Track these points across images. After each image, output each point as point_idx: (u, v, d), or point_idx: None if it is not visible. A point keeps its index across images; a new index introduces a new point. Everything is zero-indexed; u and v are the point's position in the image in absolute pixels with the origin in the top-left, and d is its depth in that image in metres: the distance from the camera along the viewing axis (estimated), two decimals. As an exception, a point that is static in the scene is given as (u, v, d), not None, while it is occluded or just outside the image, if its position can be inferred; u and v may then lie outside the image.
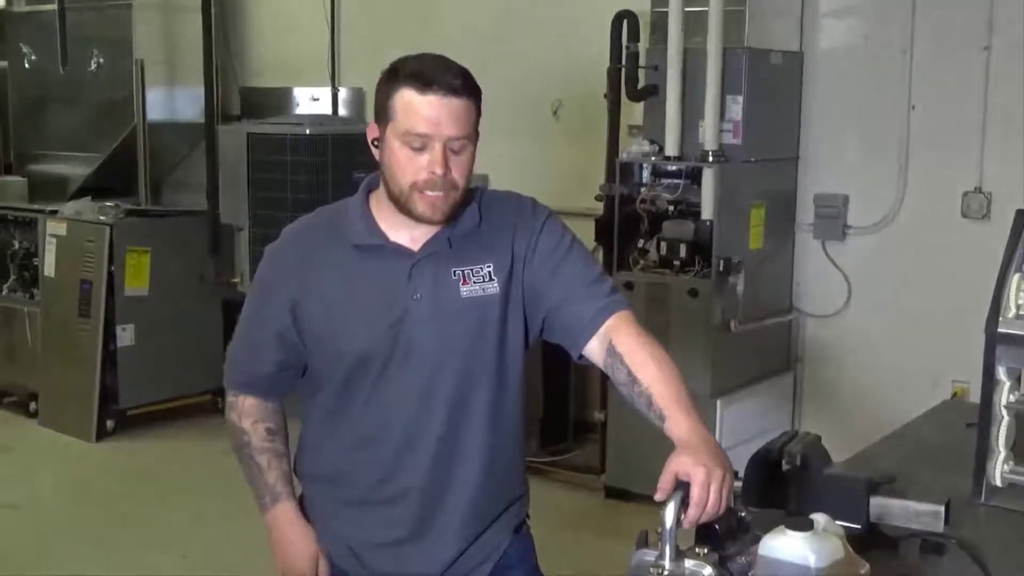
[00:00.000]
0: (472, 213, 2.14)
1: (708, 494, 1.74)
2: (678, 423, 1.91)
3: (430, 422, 2.13)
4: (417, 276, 2.10)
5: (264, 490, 2.24)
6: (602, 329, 2.08)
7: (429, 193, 2.02)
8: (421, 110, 1.98)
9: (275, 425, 2.26)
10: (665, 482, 1.76)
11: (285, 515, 2.23)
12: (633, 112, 5.38)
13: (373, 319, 2.10)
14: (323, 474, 2.25)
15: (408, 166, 2.01)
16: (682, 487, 1.75)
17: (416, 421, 2.13)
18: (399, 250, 2.11)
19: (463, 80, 2.02)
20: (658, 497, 1.75)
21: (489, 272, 2.12)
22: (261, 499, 2.25)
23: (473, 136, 2.05)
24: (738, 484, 1.95)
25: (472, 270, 2.12)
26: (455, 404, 2.13)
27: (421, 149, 1.99)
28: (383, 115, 2.04)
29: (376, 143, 2.08)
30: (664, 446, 1.87)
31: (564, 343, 2.14)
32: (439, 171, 1.99)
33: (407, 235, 2.11)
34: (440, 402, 2.12)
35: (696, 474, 1.75)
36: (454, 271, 2.11)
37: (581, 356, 2.13)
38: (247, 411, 2.26)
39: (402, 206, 2.06)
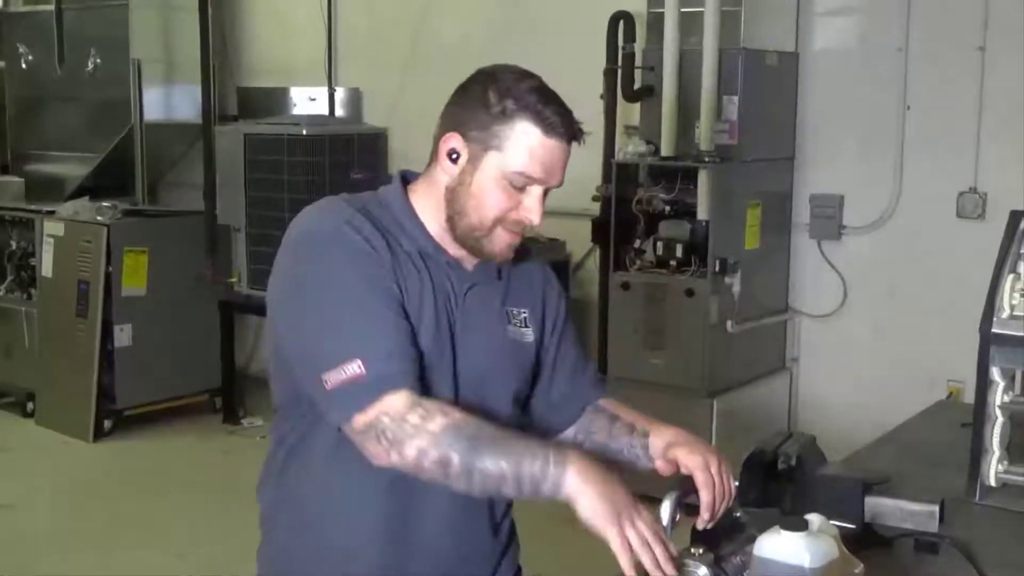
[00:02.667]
0: None
1: (712, 476, 1.79)
2: (664, 431, 1.94)
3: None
4: (470, 303, 1.87)
5: (542, 453, 1.67)
6: (592, 403, 2.05)
7: (511, 232, 1.82)
8: (543, 154, 1.78)
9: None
10: (667, 465, 1.85)
11: (586, 458, 1.70)
12: (629, 113, 5.39)
13: (431, 344, 1.80)
14: (320, 513, 1.88)
15: (502, 204, 1.79)
16: (677, 487, 1.77)
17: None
18: (454, 265, 1.87)
19: (580, 127, 1.85)
20: (664, 469, 1.85)
21: (525, 318, 1.95)
22: (544, 468, 1.66)
23: None
24: (734, 484, 1.96)
25: (514, 311, 1.94)
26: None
27: (521, 189, 1.79)
28: (485, 139, 1.78)
29: (454, 156, 1.81)
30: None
31: (547, 418, 2.03)
32: (536, 220, 1.81)
33: (450, 249, 1.87)
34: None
35: (694, 461, 1.81)
36: (503, 308, 1.92)
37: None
38: (434, 406, 1.71)
39: (470, 241, 1.82)
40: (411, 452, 1.67)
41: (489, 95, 1.78)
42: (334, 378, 1.69)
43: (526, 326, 1.94)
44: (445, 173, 1.82)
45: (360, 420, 1.69)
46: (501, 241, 1.81)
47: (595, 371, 2.11)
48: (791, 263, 5.45)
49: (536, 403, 2.03)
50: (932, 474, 2.38)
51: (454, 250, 1.86)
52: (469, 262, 1.87)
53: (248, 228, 5.91)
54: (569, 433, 2.05)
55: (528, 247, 1.98)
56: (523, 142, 1.77)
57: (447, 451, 1.66)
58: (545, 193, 1.82)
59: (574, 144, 1.82)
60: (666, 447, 1.89)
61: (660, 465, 1.85)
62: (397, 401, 1.69)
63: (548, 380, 2.02)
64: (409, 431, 1.67)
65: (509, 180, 1.78)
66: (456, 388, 1.83)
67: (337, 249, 1.76)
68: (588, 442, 2.02)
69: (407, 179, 1.91)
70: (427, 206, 1.85)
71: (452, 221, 1.82)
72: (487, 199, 1.79)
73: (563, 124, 1.79)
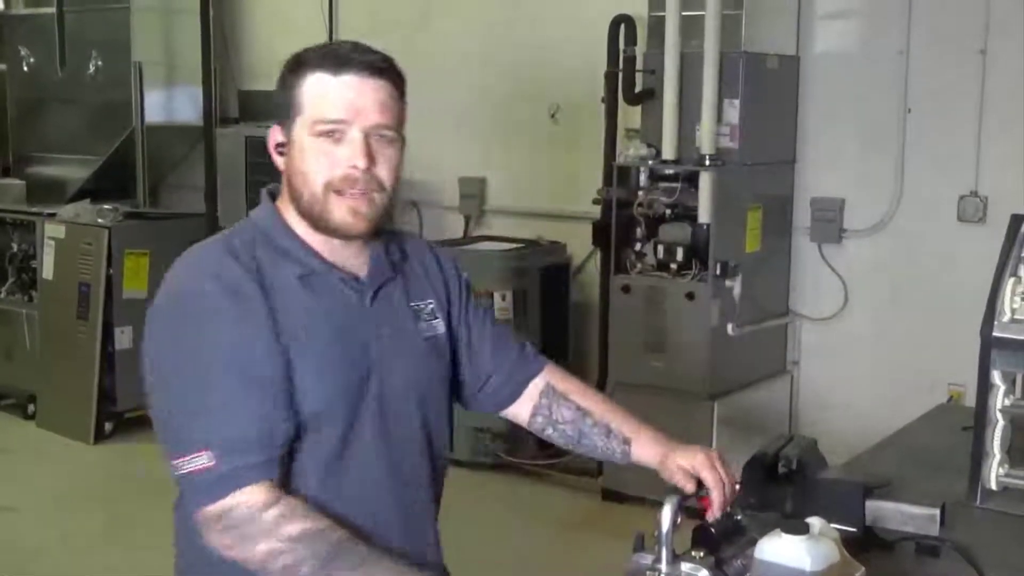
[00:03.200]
0: (395, 241, 1.88)
1: (719, 472, 1.81)
2: (648, 440, 1.94)
3: (403, 495, 1.80)
4: (379, 310, 1.77)
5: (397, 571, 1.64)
6: (537, 379, 2.00)
7: (350, 193, 1.68)
8: (336, 93, 1.67)
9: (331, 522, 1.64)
10: (684, 478, 1.83)
11: None
12: (630, 116, 5.40)
13: (337, 369, 1.71)
14: None
15: (321, 162, 1.68)
16: (676, 490, 1.78)
17: (391, 496, 1.78)
18: (349, 279, 1.76)
19: (388, 62, 1.72)
20: (691, 488, 1.81)
21: (433, 309, 1.87)
22: None
23: (400, 131, 1.74)
24: (734, 487, 1.97)
25: (420, 305, 1.85)
26: (418, 468, 1.84)
27: (337, 141, 1.68)
28: (288, 111, 1.71)
29: (281, 149, 1.74)
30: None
31: (491, 400, 2.00)
32: (361, 164, 1.67)
33: (336, 259, 1.76)
34: (410, 466, 1.81)
35: (698, 461, 1.82)
36: (409, 306, 1.83)
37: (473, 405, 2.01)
38: (295, 507, 1.62)
39: (315, 217, 1.71)
40: (259, 551, 1.57)
41: (284, 75, 1.73)
42: (183, 465, 1.60)
43: (435, 317, 1.87)
44: (282, 169, 1.75)
45: (209, 510, 1.59)
46: (340, 208, 1.69)
47: (518, 340, 2.04)
48: (792, 266, 5.45)
49: (469, 390, 1.98)
50: (933, 477, 2.38)
51: (342, 259, 1.76)
52: (361, 268, 1.78)
53: (249, 230, 5.91)
54: (524, 414, 2.00)
55: (399, 231, 1.92)
56: (315, 91, 1.69)
57: (300, 559, 1.57)
58: (387, 146, 1.70)
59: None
60: (660, 460, 1.89)
61: (688, 488, 1.81)
62: (253, 495, 1.59)
63: (473, 364, 1.96)
64: (263, 528, 1.58)
65: (317, 135, 1.68)
66: (381, 405, 1.75)
67: (197, 317, 1.65)
68: (554, 431, 1.99)
69: (275, 195, 1.80)
70: (295, 218, 1.76)
71: (299, 209, 1.73)
72: (307, 164, 1.69)
73: (355, 56, 1.69)
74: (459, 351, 1.94)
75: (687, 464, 1.84)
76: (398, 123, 1.72)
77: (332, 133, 1.67)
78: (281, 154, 1.74)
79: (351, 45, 1.73)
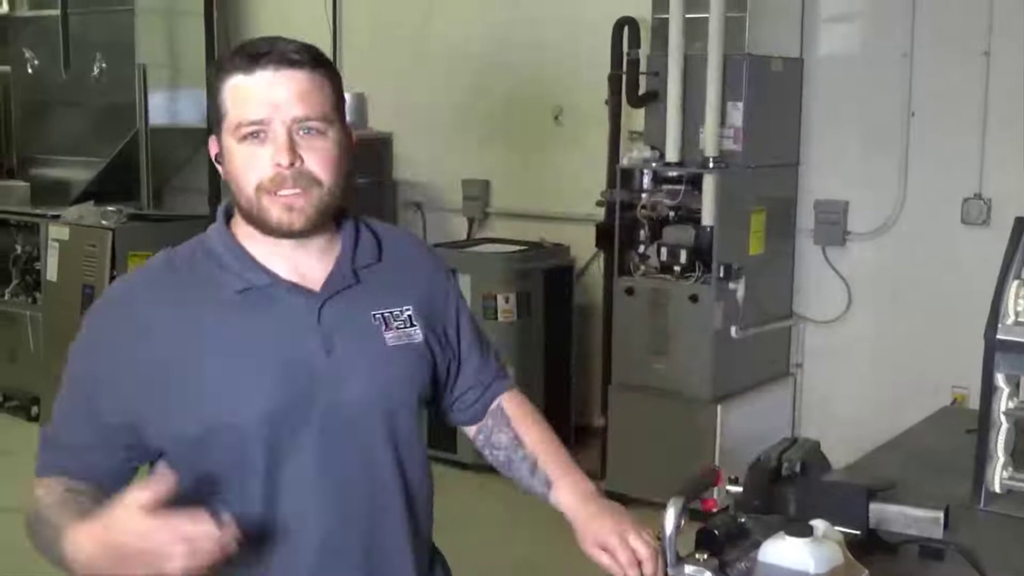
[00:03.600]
0: (369, 242, 1.77)
1: (635, 549, 1.72)
2: (568, 490, 1.86)
3: (353, 516, 1.70)
4: (329, 323, 1.67)
5: (55, 537, 1.67)
6: (497, 399, 1.96)
7: (281, 193, 1.61)
8: (252, 92, 1.60)
9: (86, 487, 1.71)
10: (605, 562, 1.74)
11: (87, 527, 1.58)
12: (634, 118, 5.40)
13: (272, 387, 1.64)
14: None
15: (250, 165, 1.61)
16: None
17: (337, 516, 1.69)
18: (295, 290, 1.67)
19: (304, 50, 1.65)
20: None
21: (409, 316, 1.75)
22: (58, 550, 1.67)
23: (334, 119, 1.65)
24: (738, 489, 1.97)
25: (392, 313, 1.73)
26: (379, 490, 1.73)
27: (263, 142, 1.60)
28: (218, 118, 1.64)
29: (219, 159, 1.68)
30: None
31: (462, 415, 1.96)
32: (285, 160, 1.59)
33: (291, 269, 1.69)
34: (370, 491, 1.72)
35: (611, 541, 1.73)
36: (374, 314, 1.72)
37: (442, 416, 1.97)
38: (51, 486, 1.74)
39: (256, 220, 1.64)
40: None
41: (211, 81, 1.69)
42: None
43: (411, 324, 1.75)
44: (225, 180, 1.70)
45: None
46: (275, 206, 1.62)
47: (497, 359, 1.99)
48: (795, 269, 5.45)
49: (445, 401, 1.93)
50: (937, 480, 2.38)
51: (299, 266, 1.69)
52: (321, 274, 1.70)
53: (253, 233, 5.92)
54: (473, 429, 1.98)
55: (381, 227, 1.83)
56: (233, 94, 1.62)
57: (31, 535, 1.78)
58: (316, 137, 1.62)
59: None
60: (578, 523, 1.81)
61: (602, 562, 1.74)
62: (37, 486, 1.80)
63: (453, 381, 1.90)
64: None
65: (241, 138, 1.61)
66: (329, 424, 1.66)
67: (87, 341, 1.72)
68: (490, 453, 1.96)
69: (231, 212, 1.74)
70: (244, 229, 1.70)
71: (243, 215, 1.68)
72: (238, 170, 1.63)
73: (267, 50, 1.62)
74: (439, 364, 1.84)
75: (602, 542, 1.75)
76: (327, 113, 1.63)
77: (256, 134, 1.61)
78: (220, 163, 1.68)
79: (264, 41, 1.66)
